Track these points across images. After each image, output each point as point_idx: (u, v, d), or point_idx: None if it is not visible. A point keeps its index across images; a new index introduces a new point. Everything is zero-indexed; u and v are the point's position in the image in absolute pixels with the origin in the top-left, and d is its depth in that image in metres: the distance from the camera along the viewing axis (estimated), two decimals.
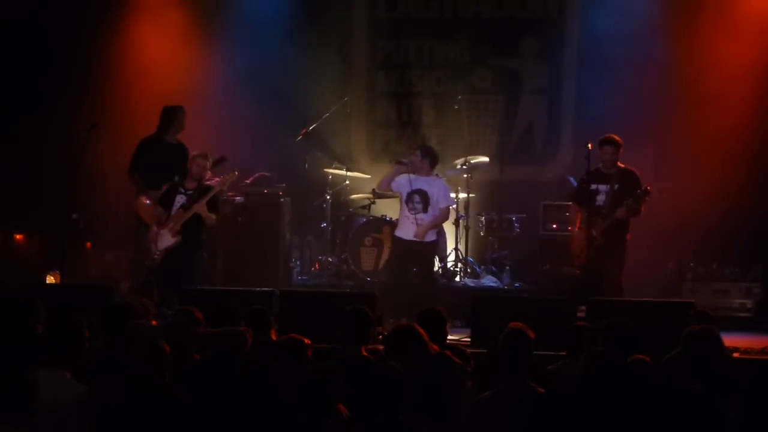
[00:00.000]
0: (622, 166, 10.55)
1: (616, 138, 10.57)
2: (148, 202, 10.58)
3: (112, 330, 6.61)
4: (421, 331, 6.41)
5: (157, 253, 10.22)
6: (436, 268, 12.21)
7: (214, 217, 10.46)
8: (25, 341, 6.03)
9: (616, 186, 10.43)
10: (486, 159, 12.69)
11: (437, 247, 11.53)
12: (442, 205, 10.93)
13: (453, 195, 11.56)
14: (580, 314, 8.92)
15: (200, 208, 10.26)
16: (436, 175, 11.13)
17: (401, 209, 10.95)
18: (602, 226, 10.37)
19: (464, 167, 12.36)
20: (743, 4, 12.74)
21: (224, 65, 13.64)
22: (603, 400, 5.26)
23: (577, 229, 10.69)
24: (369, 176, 12.90)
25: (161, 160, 10.62)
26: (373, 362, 6.28)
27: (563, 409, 5.28)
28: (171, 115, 10.66)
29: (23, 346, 5.91)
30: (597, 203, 10.48)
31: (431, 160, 10.93)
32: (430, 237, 10.98)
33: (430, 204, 10.80)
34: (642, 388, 5.53)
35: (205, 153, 10.68)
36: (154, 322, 7.04)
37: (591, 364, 5.48)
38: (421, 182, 10.85)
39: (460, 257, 12.28)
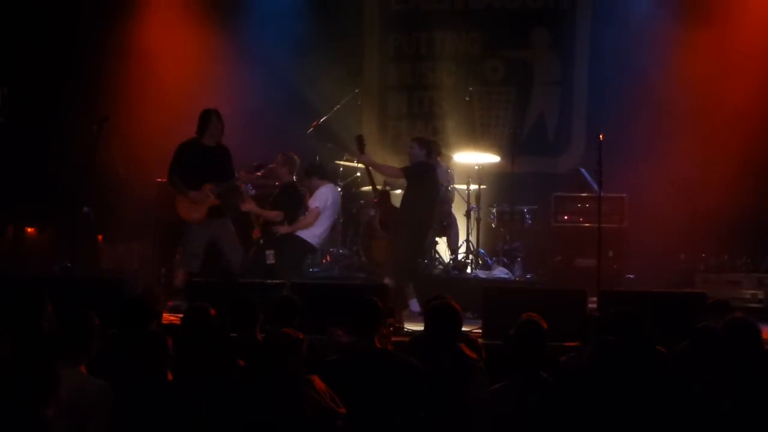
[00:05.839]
0: None
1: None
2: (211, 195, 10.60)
3: (127, 324, 6.57)
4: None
5: None
6: (447, 260, 12.20)
7: None
8: (31, 337, 5.98)
9: None
10: (497, 158, 12.64)
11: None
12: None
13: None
14: (591, 305, 8.91)
15: None
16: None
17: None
18: None
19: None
20: None
21: (234, 57, 13.64)
22: (611, 387, 5.24)
23: None
24: None
25: (199, 162, 10.53)
26: (386, 353, 6.27)
27: (574, 397, 5.27)
28: (205, 119, 10.59)
29: (29, 341, 5.86)
30: None
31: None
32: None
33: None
34: (653, 378, 5.52)
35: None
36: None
37: (599, 352, 5.48)
38: None
39: (472, 249, 12.24)
